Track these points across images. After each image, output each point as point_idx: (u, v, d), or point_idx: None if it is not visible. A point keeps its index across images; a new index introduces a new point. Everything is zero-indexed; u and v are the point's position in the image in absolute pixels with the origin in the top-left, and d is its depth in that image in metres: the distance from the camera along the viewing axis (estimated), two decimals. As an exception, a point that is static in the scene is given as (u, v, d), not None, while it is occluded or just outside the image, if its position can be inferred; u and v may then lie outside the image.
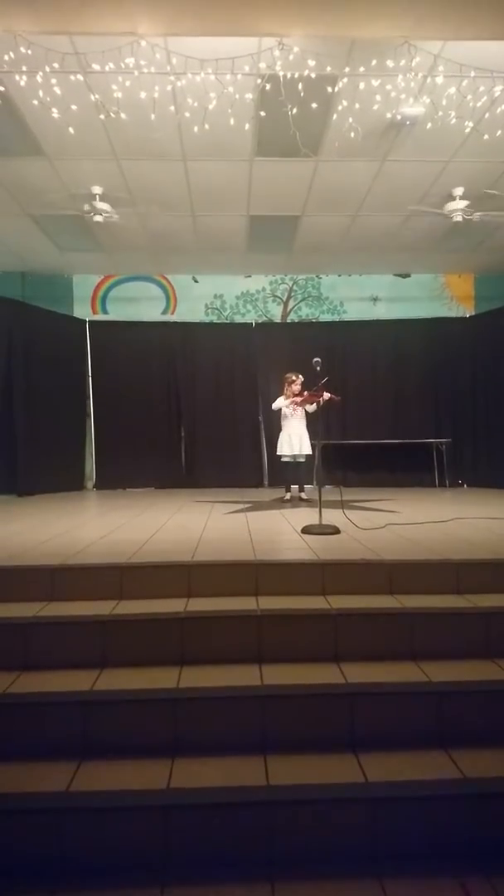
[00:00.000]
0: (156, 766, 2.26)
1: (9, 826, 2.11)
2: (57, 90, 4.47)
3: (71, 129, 5.04)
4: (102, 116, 4.91)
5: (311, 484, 6.93)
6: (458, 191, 6.31)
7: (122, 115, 4.83)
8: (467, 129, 5.15)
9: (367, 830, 2.13)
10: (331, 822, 2.13)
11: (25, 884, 2.02)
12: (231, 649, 2.71)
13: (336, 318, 9.27)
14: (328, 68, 4.34)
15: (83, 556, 3.34)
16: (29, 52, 4.04)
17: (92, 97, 4.65)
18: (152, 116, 4.84)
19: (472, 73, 4.40)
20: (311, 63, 4.21)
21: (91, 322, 9.04)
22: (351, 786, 2.16)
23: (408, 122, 5.08)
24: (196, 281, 9.25)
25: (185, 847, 2.10)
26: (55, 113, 4.72)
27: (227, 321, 9.22)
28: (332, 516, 4.47)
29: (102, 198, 6.33)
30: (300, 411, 6.64)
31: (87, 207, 6.39)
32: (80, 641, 2.71)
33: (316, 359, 4.80)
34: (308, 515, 4.97)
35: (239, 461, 8.94)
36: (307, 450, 6.62)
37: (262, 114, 4.88)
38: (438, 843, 2.13)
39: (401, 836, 2.13)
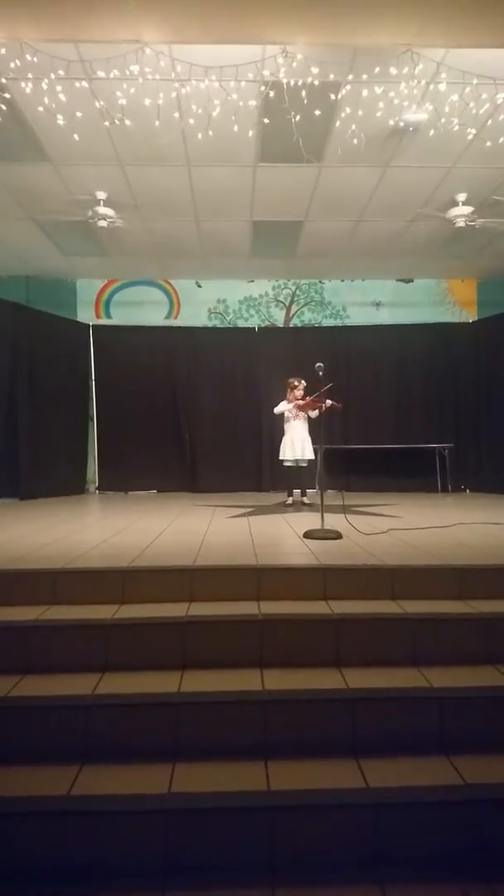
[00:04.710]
0: (157, 770, 2.26)
1: (9, 830, 2.12)
2: (62, 97, 4.50)
3: (76, 136, 5.08)
4: (107, 123, 4.94)
5: (314, 488, 6.93)
6: (462, 196, 6.34)
7: (127, 122, 4.86)
8: (470, 136, 5.17)
9: (368, 836, 2.13)
10: (332, 827, 2.13)
11: (27, 887, 2.02)
12: (233, 654, 2.71)
13: (339, 323, 9.28)
14: (331, 75, 4.37)
15: (85, 560, 3.35)
16: (34, 59, 4.08)
17: (97, 104, 4.69)
18: (157, 123, 4.87)
19: (475, 81, 4.42)
20: (315, 70, 4.23)
21: (95, 326, 9.07)
22: (352, 791, 2.15)
23: (411, 129, 5.11)
24: (199, 286, 9.27)
25: (186, 852, 2.10)
26: (60, 119, 4.77)
27: (231, 326, 9.24)
28: (334, 521, 4.47)
29: (107, 203, 6.36)
30: (303, 416, 6.65)
31: (91, 212, 6.42)
32: (82, 645, 2.72)
33: (319, 364, 4.82)
34: (310, 520, 4.97)
35: (242, 465, 8.94)
36: (310, 454, 6.62)
37: (266, 120, 4.91)
38: (440, 850, 2.12)
39: (402, 842, 2.12)
